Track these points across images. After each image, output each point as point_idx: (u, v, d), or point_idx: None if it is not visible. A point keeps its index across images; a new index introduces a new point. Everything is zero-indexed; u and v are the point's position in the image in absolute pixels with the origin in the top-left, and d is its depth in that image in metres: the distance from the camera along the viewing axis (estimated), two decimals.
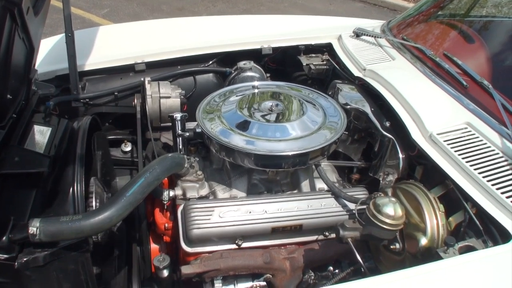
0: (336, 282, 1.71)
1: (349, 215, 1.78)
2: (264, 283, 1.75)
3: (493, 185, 1.52)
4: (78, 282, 1.57)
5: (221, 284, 1.69)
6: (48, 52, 2.58)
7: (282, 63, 2.85)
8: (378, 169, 1.95)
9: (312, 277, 1.81)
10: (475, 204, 1.51)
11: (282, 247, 1.80)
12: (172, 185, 1.96)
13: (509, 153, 1.63)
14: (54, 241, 1.45)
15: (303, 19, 3.34)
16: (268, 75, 2.77)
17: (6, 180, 1.59)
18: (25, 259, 1.42)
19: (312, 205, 1.78)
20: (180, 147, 2.03)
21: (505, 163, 1.61)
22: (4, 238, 1.39)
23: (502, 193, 1.49)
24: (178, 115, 1.99)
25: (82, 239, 1.51)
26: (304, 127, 1.91)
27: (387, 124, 1.93)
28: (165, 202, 1.87)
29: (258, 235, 1.76)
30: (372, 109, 2.03)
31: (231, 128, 1.90)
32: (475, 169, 1.58)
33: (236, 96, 2.14)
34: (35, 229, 1.38)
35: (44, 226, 1.39)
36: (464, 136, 1.73)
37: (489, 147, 1.67)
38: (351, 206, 1.78)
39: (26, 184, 1.62)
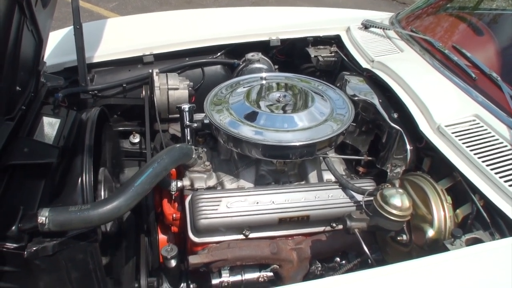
0: (343, 273, 1.71)
1: (356, 206, 1.77)
2: (271, 274, 1.75)
3: (501, 177, 1.51)
4: (86, 272, 1.58)
5: (228, 274, 1.70)
6: (56, 45, 2.59)
7: (290, 55, 2.85)
8: (385, 161, 1.94)
9: (319, 268, 1.81)
10: (482, 196, 1.51)
11: (289, 238, 1.80)
12: (180, 176, 1.97)
13: None
14: (63, 230, 1.47)
15: (312, 11, 3.33)
16: (276, 67, 2.76)
17: (15, 170, 1.60)
18: (34, 248, 1.44)
19: (319, 196, 1.79)
20: (188, 138, 2.04)
21: None
22: (13, 227, 1.40)
23: (510, 185, 1.48)
24: (186, 106, 2.00)
25: (91, 228, 1.53)
26: (312, 118, 1.91)
27: (395, 115, 1.92)
28: (173, 193, 1.88)
29: (265, 226, 1.76)
30: (380, 100, 2.02)
31: (239, 119, 1.90)
32: (483, 161, 1.57)
33: (244, 87, 2.14)
34: (44, 218, 1.39)
35: (53, 216, 1.40)
36: (472, 128, 1.72)
37: (497, 139, 1.66)
38: (359, 197, 1.78)
39: (35, 175, 1.64)
